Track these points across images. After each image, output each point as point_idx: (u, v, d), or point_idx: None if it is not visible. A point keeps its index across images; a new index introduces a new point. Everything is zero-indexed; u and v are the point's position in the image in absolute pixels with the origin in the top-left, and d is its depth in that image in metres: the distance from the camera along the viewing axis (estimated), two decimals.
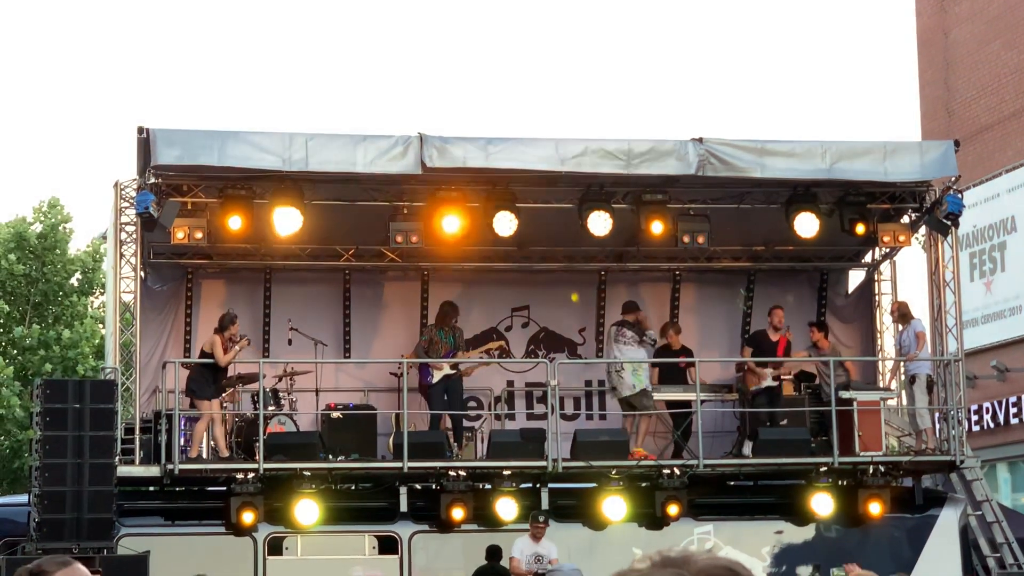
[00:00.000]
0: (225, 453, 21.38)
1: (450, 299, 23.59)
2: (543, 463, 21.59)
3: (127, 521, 20.95)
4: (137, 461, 21.10)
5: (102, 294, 43.02)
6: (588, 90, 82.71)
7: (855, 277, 26.10)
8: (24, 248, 40.99)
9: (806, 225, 22.24)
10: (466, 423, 23.44)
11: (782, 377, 23.47)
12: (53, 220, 41.54)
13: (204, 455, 21.66)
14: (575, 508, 22.18)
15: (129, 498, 21.28)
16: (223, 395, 21.95)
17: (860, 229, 22.56)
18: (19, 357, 40.11)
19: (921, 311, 24.56)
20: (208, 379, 21.48)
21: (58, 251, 41.49)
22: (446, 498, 21.29)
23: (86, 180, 70.08)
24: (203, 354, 21.62)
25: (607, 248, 24.02)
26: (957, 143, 22.73)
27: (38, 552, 19.50)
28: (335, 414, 22.91)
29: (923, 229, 23.63)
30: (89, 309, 42.89)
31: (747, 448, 22.75)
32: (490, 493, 21.58)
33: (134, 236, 21.57)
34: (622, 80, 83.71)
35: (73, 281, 43.01)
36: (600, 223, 21.84)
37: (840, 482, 22.32)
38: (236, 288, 24.40)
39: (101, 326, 40.92)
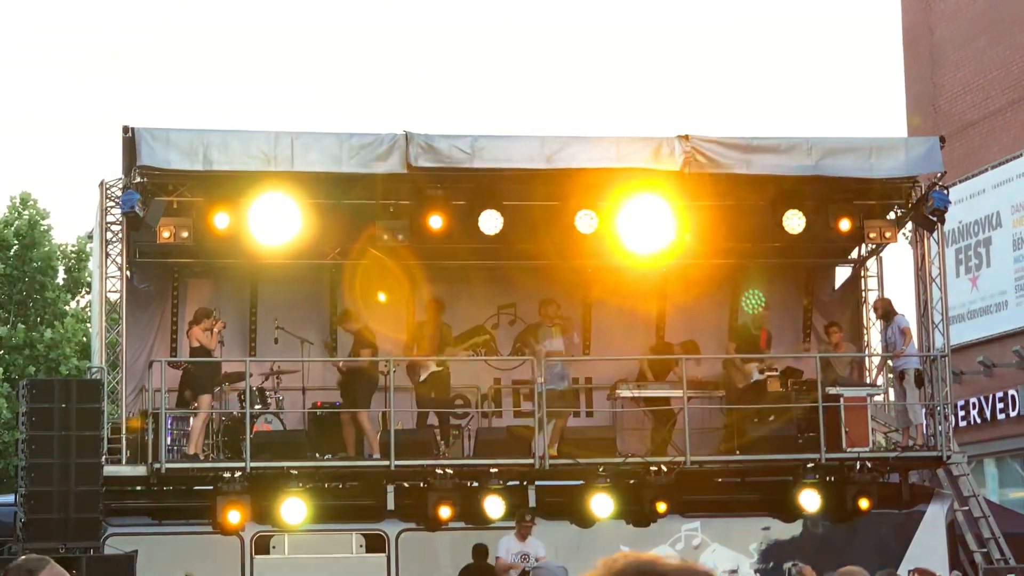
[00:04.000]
0: (194, 451, 21.32)
1: (433, 297, 23.58)
2: (530, 461, 21.60)
3: (114, 521, 20.92)
4: (124, 461, 21.09)
5: (87, 293, 42.97)
6: (573, 88, 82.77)
7: (841, 274, 26.14)
8: (3, 248, 40.90)
9: (792, 222, 22.26)
10: (453, 421, 23.44)
11: (767, 373, 23.50)
12: (28, 216, 41.42)
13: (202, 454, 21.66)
14: (562, 505, 22.18)
15: (116, 498, 21.25)
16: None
17: (846, 225, 22.58)
18: (5, 356, 40.02)
19: (907, 307, 24.62)
20: (207, 373, 21.53)
21: (36, 249, 41.37)
22: (433, 496, 21.27)
23: (65, 180, 69.99)
24: (198, 350, 21.59)
25: (593, 245, 23.97)
26: (943, 139, 22.76)
27: (25, 551, 19.49)
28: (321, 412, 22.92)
29: (909, 225, 23.66)
30: (71, 307, 42.78)
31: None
32: (477, 491, 21.56)
33: (120, 235, 21.56)
34: (607, 78, 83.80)
35: (59, 280, 42.93)
36: (587, 221, 21.83)
37: (827, 478, 22.35)
38: (222, 287, 24.38)
39: (87, 326, 40.88)
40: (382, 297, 24.16)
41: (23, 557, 5.54)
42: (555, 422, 22.40)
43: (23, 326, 40.27)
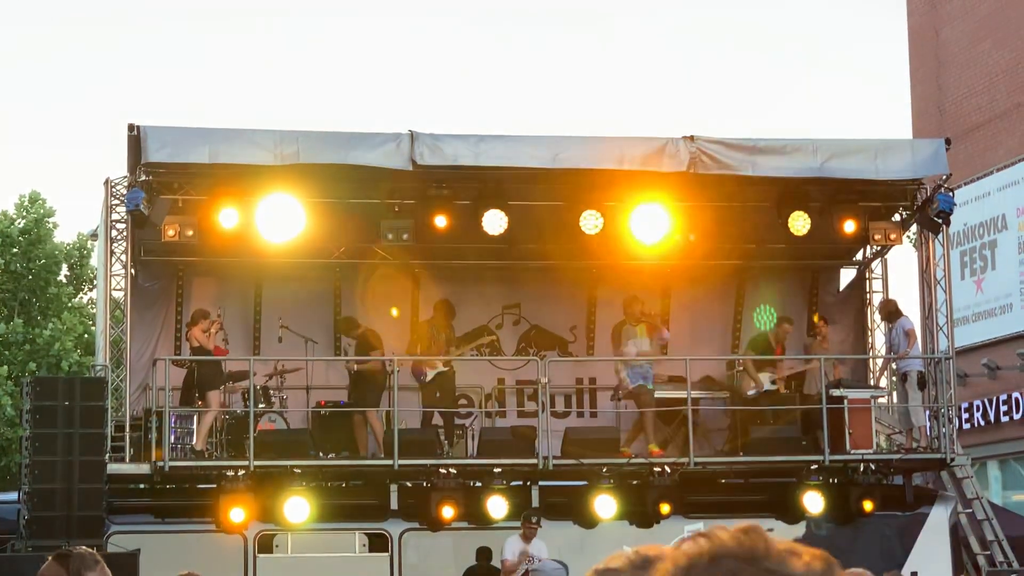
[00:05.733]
0: (202, 447, 21.34)
1: (444, 298, 23.57)
2: (534, 461, 21.60)
3: (117, 519, 20.94)
4: (127, 459, 21.09)
5: (90, 289, 42.99)
6: (579, 89, 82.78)
7: (846, 275, 26.13)
8: (9, 245, 40.91)
9: (797, 223, 22.27)
10: (457, 420, 23.44)
11: (778, 381, 23.49)
12: (36, 215, 41.45)
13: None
14: (566, 506, 22.18)
15: (119, 496, 21.26)
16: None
17: (851, 227, 22.57)
18: (6, 353, 40.01)
19: (912, 309, 24.61)
20: (211, 372, 21.56)
21: (41, 247, 41.37)
22: (436, 496, 21.27)
23: (70, 177, 70.04)
24: (199, 350, 21.60)
25: (598, 246, 23.97)
26: (948, 141, 22.75)
27: (28, 550, 19.48)
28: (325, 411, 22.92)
29: (914, 227, 23.64)
30: (71, 301, 42.76)
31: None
32: (481, 491, 21.56)
33: (125, 233, 21.58)
34: (613, 78, 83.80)
35: (61, 277, 42.95)
36: (592, 222, 21.85)
37: (831, 480, 22.35)
38: (227, 286, 24.38)
39: (90, 322, 40.89)
40: (394, 312, 24.24)
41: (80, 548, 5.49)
42: (643, 419, 22.63)
43: (19, 319, 40.21)
